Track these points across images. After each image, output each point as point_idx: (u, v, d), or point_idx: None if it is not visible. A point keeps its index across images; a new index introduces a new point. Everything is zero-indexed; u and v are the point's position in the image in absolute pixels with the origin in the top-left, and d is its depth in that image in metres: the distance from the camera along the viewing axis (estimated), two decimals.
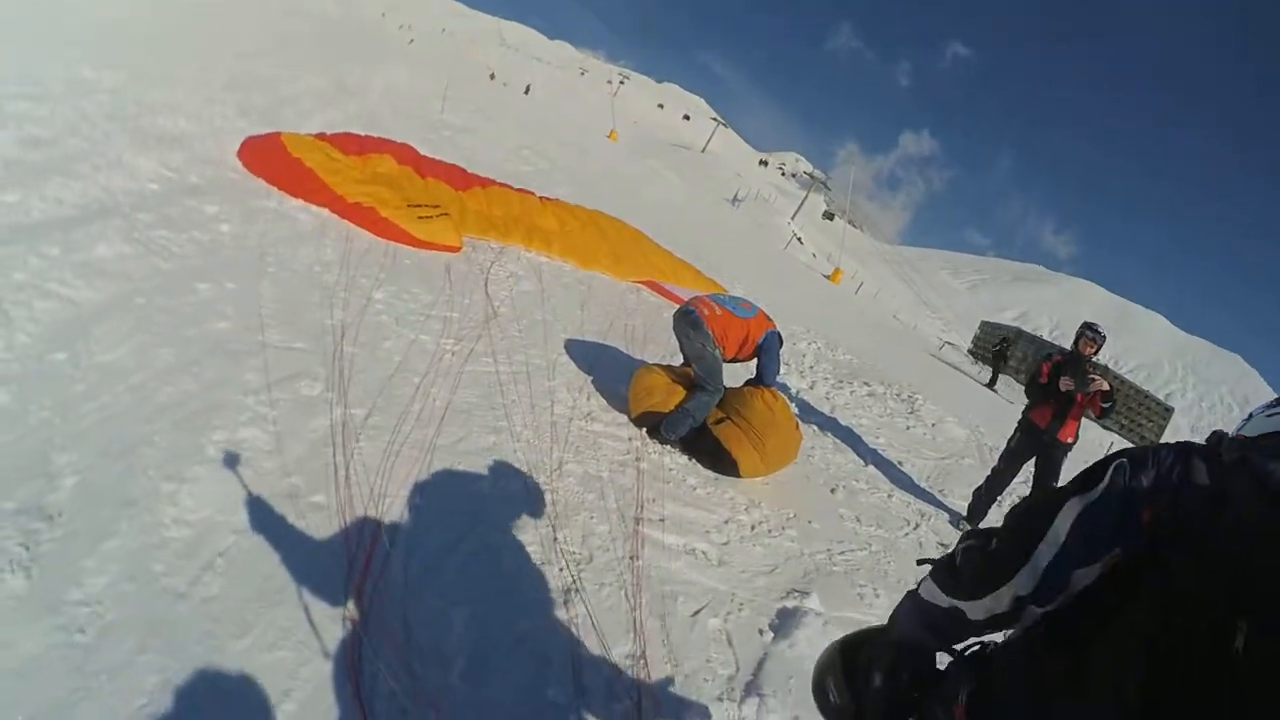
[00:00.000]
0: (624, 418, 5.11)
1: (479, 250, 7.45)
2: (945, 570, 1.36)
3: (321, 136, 8.24)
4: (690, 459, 4.94)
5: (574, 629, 2.93)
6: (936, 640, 1.38)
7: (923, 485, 6.92)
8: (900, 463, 7.23)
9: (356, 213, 6.68)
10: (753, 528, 4.46)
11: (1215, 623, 1.01)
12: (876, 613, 4.18)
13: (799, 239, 50.36)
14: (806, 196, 65.86)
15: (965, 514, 6.33)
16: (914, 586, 1.43)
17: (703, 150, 70.75)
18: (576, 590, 3.14)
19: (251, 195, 6.25)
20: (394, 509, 3.15)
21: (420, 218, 6.99)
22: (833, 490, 5.72)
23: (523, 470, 3.88)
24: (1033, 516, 1.24)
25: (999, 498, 6.31)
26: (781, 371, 8.02)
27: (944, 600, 1.33)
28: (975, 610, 1.27)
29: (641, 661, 2.92)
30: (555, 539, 3.42)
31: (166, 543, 2.56)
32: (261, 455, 3.16)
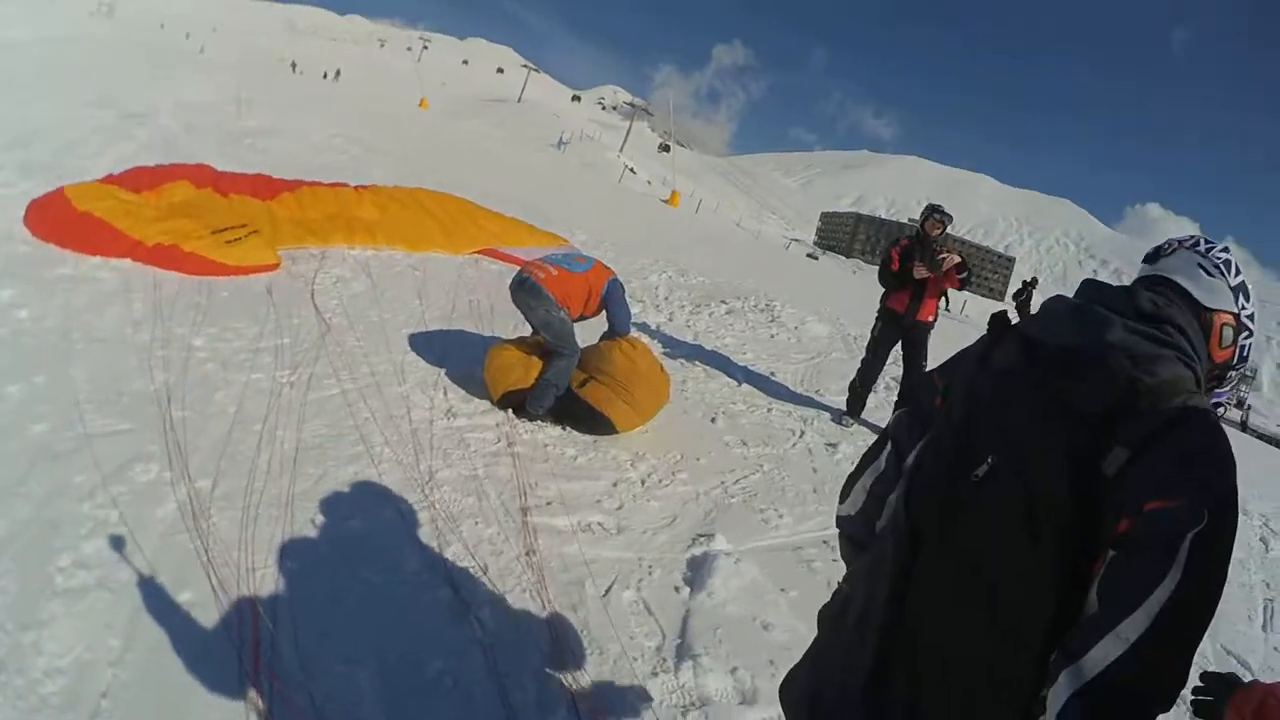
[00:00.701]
0: (487, 404, 4.87)
1: (299, 261, 6.84)
2: (842, 490, 1.70)
3: (109, 179, 7.25)
4: (564, 428, 4.79)
5: (488, 650, 2.74)
6: (854, 547, 1.69)
7: (799, 390, 7.05)
8: (772, 374, 7.33)
9: (159, 254, 5.94)
10: (643, 482, 4.38)
11: (965, 443, 1.29)
12: (783, 534, 4.22)
13: (631, 170, 50.32)
14: (630, 126, 65.59)
15: (845, 409, 6.47)
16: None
17: (519, 100, 69.01)
18: (480, 607, 2.94)
19: (45, 265, 5.39)
20: (266, 581, 2.82)
21: (228, 242, 6.32)
22: (713, 419, 5.71)
23: (393, 492, 3.59)
24: (880, 435, 1.66)
25: (873, 387, 6.50)
26: (636, 311, 7.93)
27: (840, 510, 1.70)
28: (848, 507, 1.67)
29: (566, 661, 2.78)
30: (443, 558, 3.18)
31: (45, 701, 2.16)
32: (113, 566, 2.72)
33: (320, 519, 3.25)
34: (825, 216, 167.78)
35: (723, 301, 9.61)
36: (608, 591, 3.25)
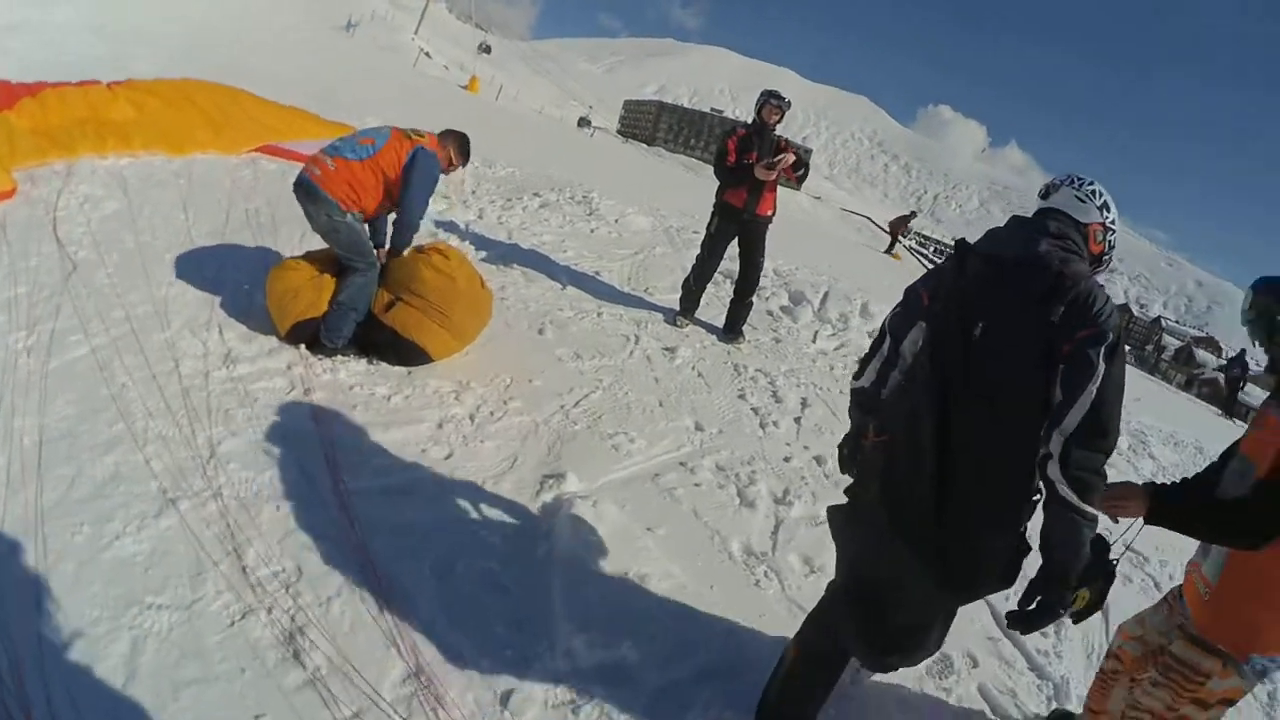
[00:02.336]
0: (273, 340, 4.05)
1: (40, 182, 5.25)
2: (855, 372, 2.41)
3: None
4: (371, 362, 4.13)
5: (325, 682, 2.21)
6: (864, 415, 2.38)
7: (627, 290, 6.67)
8: (597, 273, 6.87)
9: None
10: (472, 418, 3.87)
11: (964, 320, 2.04)
12: (638, 461, 3.90)
13: (427, 54, 46.27)
14: (426, 7, 60.00)
15: (678, 309, 6.20)
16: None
17: None
18: (302, 629, 2.36)
19: None
20: (25, 642, 2.08)
21: None
22: (540, 330, 5.22)
23: (166, 486, 2.81)
24: (882, 327, 2.34)
25: (706, 285, 6.22)
26: (441, 208, 7.14)
27: (855, 384, 2.38)
28: (866, 381, 2.34)
29: (422, 675, 2.31)
30: (244, 569, 2.53)
31: None
32: None
33: (77, 542, 2.46)
34: (629, 104, 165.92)
35: (535, 194, 8.88)
36: (452, 570, 2.78)
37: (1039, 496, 1.98)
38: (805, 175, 5.89)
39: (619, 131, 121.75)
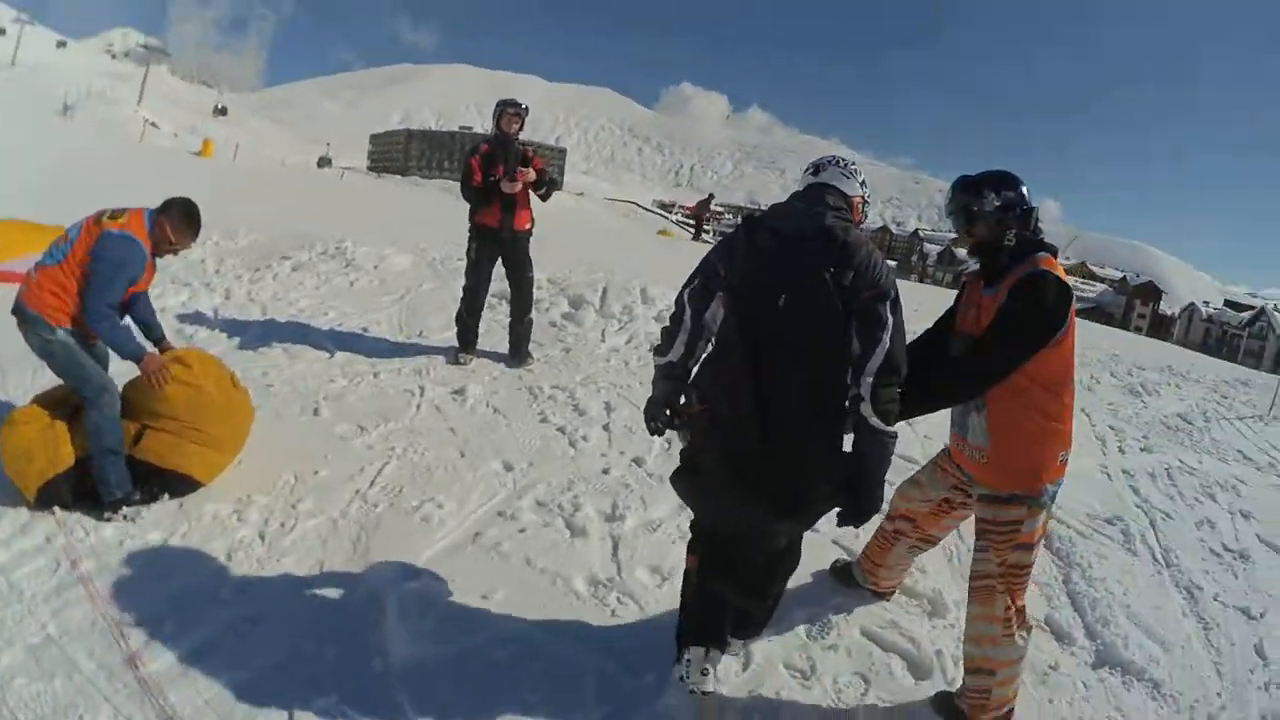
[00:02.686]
0: (24, 512, 3.39)
1: None
2: (656, 347, 2.62)
3: None
4: (129, 512, 3.51)
5: None
6: (673, 384, 2.59)
7: (400, 339, 6.38)
8: (365, 329, 6.49)
9: None
10: (262, 537, 3.47)
11: (768, 291, 2.37)
12: (453, 528, 3.70)
13: (153, 124, 42.00)
14: (146, 73, 54.22)
15: (458, 345, 5.98)
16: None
17: (13, 63, 52.86)
18: None
19: None
20: None
21: None
22: (315, 411, 4.79)
23: None
24: (677, 302, 2.57)
25: (481, 313, 6.01)
26: (183, 299, 6.53)
27: (662, 359, 2.58)
28: (673, 355, 2.54)
29: None
30: None
31: None
32: None
33: None
34: (375, 138, 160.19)
35: (285, 257, 8.14)
36: None
37: (849, 424, 2.39)
38: (549, 191, 5.87)
39: (370, 168, 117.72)
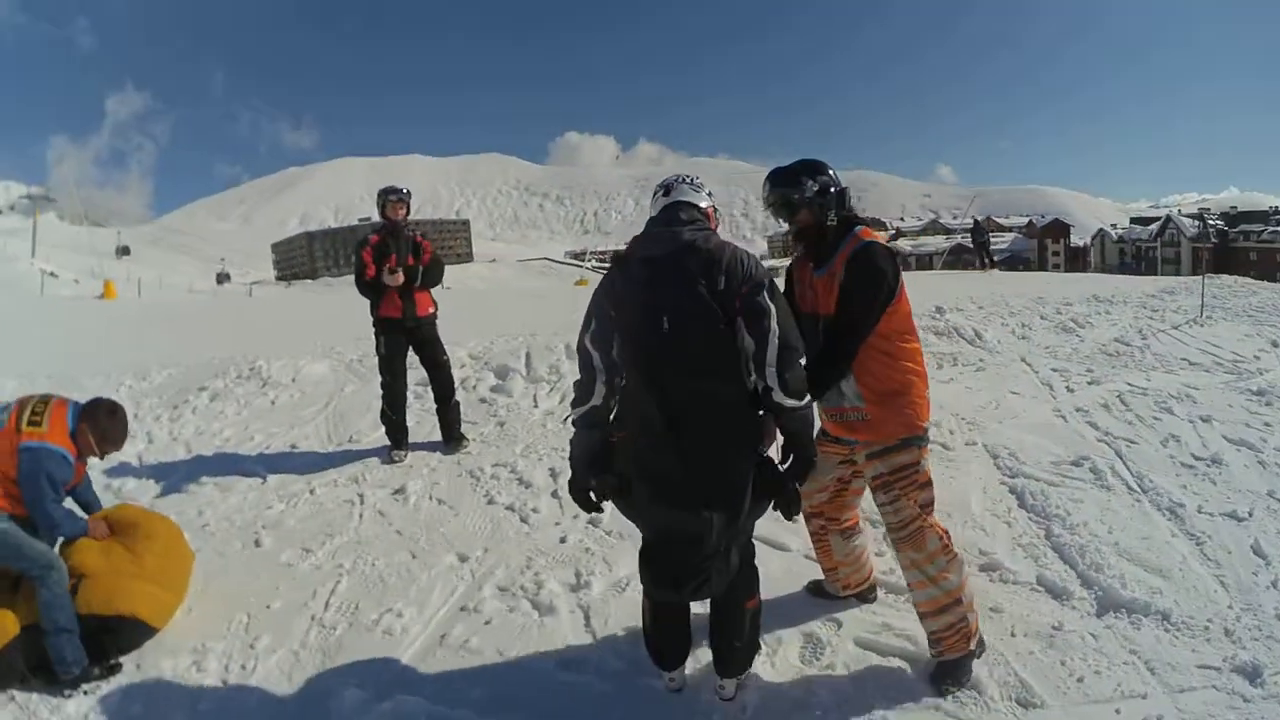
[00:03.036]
0: None
1: None
2: (573, 400, 2.66)
3: None
4: (100, 679, 3.32)
5: None
6: (597, 432, 2.64)
7: (332, 449, 6.10)
8: (294, 445, 6.20)
9: None
10: (224, 683, 3.27)
11: (650, 318, 2.40)
12: (417, 635, 3.49)
13: (52, 274, 40.61)
14: (36, 224, 52.52)
15: (391, 444, 5.77)
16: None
17: None
18: None
19: None
20: None
21: None
22: (257, 543, 4.53)
23: None
24: (581, 350, 2.61)
25: (405, 406, 5.83)
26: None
27: (584, 407, 2.61)
28: (596, 400, 2.59)
29: None
30: None
31: None
32: None
33: None
34: (276, 247, 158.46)
35: (202, 388, 7.73)
36: None
37: (759, 417, 2.52)
38: (435, 278, 5.79)
39: (279, 278, 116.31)
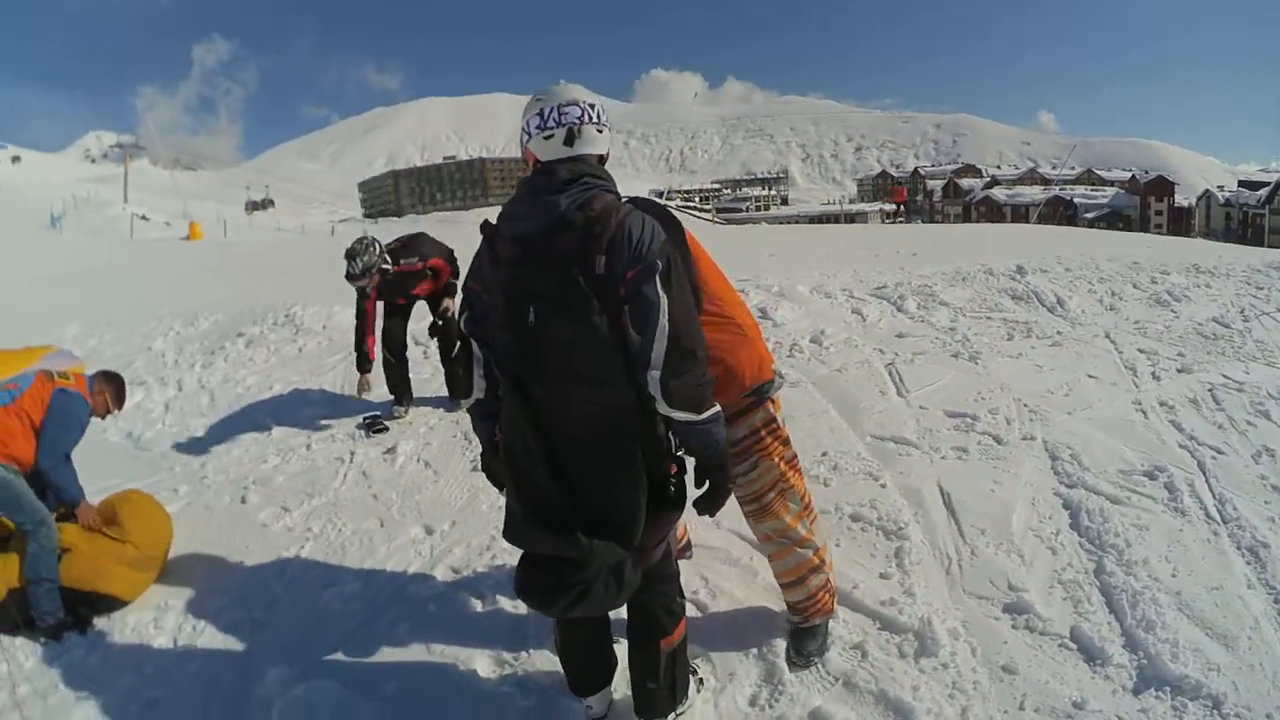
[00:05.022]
0: None
1: None
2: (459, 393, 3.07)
3: None
4: (74, 630, 3.41)
5: None
6: (491, 424, 2.19)
7: (341, 394, 5.99)
8: (308, 396, 6.08)
9: None
10: (175, 642, 3.22)
11: (514, 309, 1.92)
12: (355, 613, 3.21)
13: (143, 217, 42.68)
14: (127, 171, 55.71)
15: (393, 398, 5.59)
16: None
17: None
18: None
19: None
20: None
21: None
22: (243, 499, 4.48)
23: None
24: (460, 336, 2.14)
25: (405, 353, 5.67)
26: (138, 399, 6.31)
27: (469, 400, 2.17)
28: (478, 393, 2.14)
29: None
30: None
31: None
32: None
33: None
34: (364, 186, 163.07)
35: (240, 334, 7.85)
36: None
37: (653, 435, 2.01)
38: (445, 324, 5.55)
39: (366, 215, 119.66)
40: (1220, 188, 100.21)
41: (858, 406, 4.91)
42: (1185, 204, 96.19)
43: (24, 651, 3.25)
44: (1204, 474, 3.93)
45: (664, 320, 1.85)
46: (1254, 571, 3.10)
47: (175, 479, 4.82)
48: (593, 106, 2.02)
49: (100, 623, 3.43)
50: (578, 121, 1.98)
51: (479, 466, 4.34)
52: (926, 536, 3.39)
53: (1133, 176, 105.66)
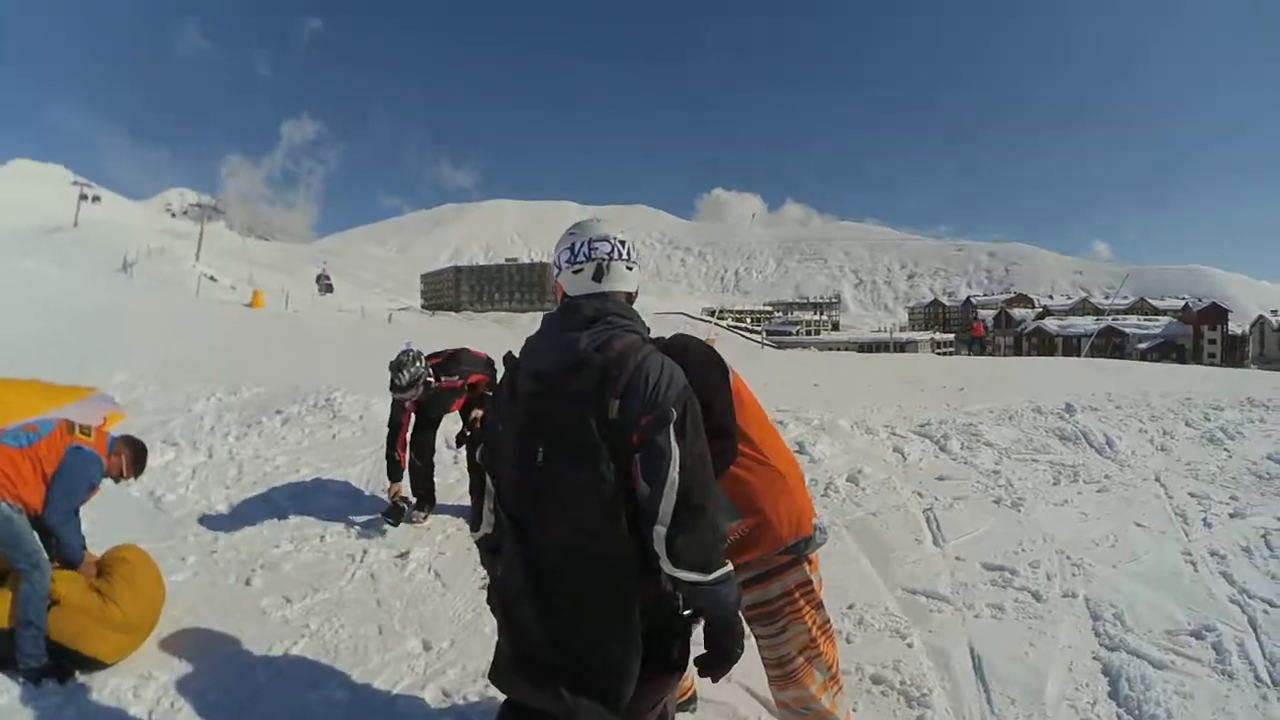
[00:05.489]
0: None
1: None
2: (471, 520, 2.21)
3: None
4: (53, 678, 3.40)
5: None
6: (495, 555, 2.07)
7: (366, 494, 5.91)
8: (332, 485, 6.05)
9: None
10: (152, 716, 3.13)
11: (523, 447, 1.86)
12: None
13: (211, 278, 44.28)
14: (202, 230, 58.45)
15: (415, 502, 5.52)
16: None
17: (75, 224, 57.91)
18: None
19: None
20: None
21: None
22: (248, 581, 4.45)
23: None
24: (472, 467, 2.21)
25: (432, 460, 5.64)
26: (169, 458, 6.45)
27: (476, 534, 2.15)
28: (486, 527, 2.11)
29: None
30: None
31: None
32: None
33: None
34: (425, 278, 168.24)
35: (278, 411, 7.92)
36: None
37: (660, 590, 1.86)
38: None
39: (424, 306, 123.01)
40: (1274, 312, 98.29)
41: (890, 555, 4.69)
42: (1239, 331, 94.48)
43: (1, 687, 3.24)
44: (1255, 631, 3.68)
45: (674, 473, 1.74)
46: None
47: (186, 547, 4.83)
48: (623, 243, 2.01)
49: (81, 677, 3.40)
50: (607, 257, 1.97)
51: (487, 586, 4.30)
52: (951, 705, 3.14)
53: (1186, 305, 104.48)
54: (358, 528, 5.19)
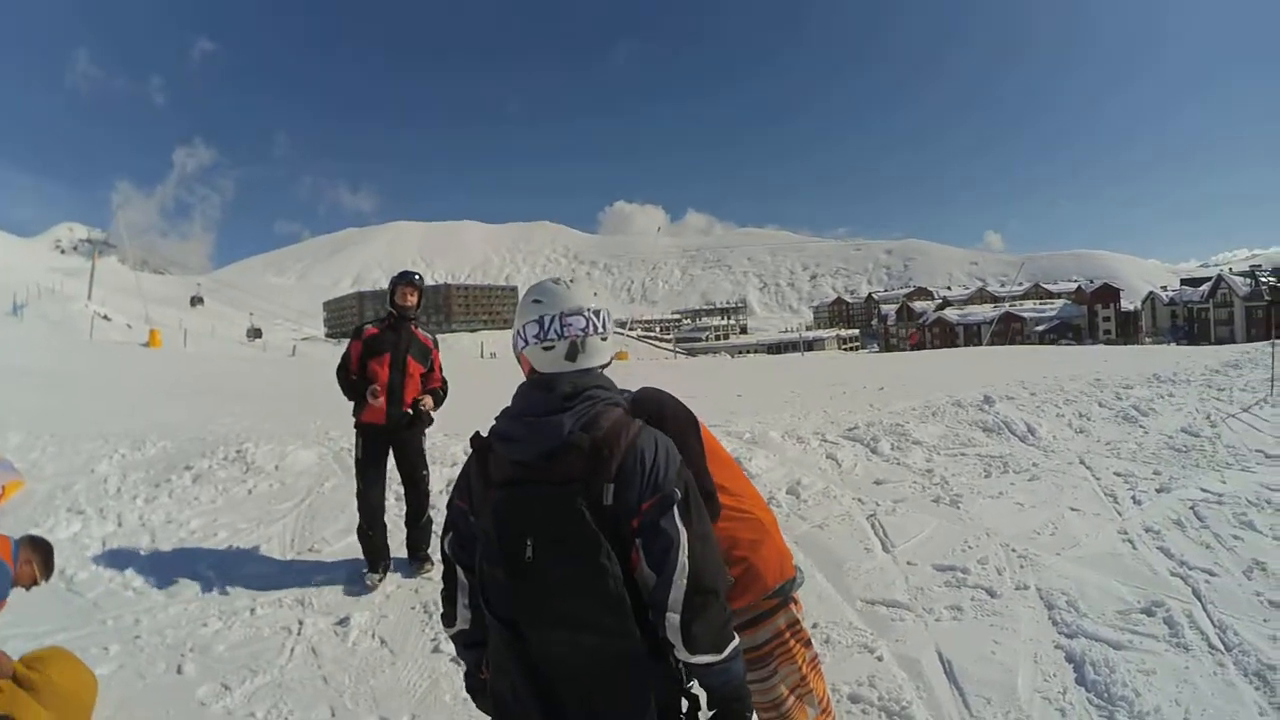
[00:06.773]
0: None
1: None
2: (442, 615, 2.02)
3: None
4: None
5: None
6: (477, 652, 1.95)
7: (290, 557, 5.54)
8: (256, 546, 5.65)
9: None
10: None
11: (508, 541, 1.68)
12: None
13: (105, 317, 41.77)
14: (94, 267, 55.03)
15: (367, 565, 5.14)
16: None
17: None
18: None
19: None
20: None
21: None
22: (179, 669, 4.04)
23: None
24: (443, 558, 1.96)
25: (382, 519, 5.20)
26: (75, 529, 5.96)
27: (452, 629, 1.98)
28: (463, 622, 1.94)
29: None
30: None
31: None
32: None
33: None
34: (328, 305, 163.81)
35: (187, 467, 7.33)
36: None
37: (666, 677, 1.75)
38: (438, 403, 5.29)
39: (328, 335, 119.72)
40: (1164, 288, 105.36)
41: (843, 567, 4.71)
42: (1131, 308, 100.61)
43: None
44: (1200, 601, 3.88)
45: (683, 558, 1.64)
46: (1264, 696, 3.07)
47: (107, 634, 4.40)
48: (597, 314, 1.81)
49: None
50: (582, 333, 1.79)
51: (440, 647, 4.10)
52: (931, 714, 3.16)
53: (1079, 287, 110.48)
54: (289, 597, 4.84)
